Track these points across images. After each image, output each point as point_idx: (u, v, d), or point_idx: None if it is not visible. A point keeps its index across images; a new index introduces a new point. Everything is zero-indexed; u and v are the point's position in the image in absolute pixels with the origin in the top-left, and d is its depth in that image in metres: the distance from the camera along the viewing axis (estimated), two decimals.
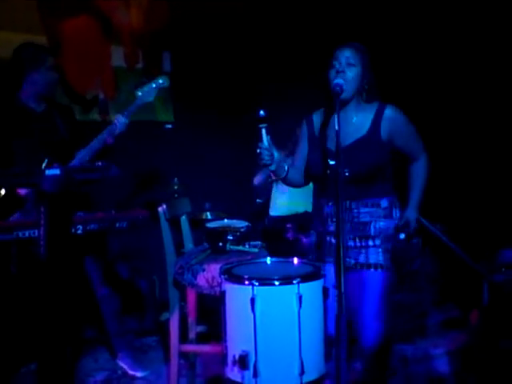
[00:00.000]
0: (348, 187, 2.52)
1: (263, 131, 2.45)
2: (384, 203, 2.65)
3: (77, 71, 3.68)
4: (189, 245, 3.38)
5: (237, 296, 2.32)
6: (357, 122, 2.62)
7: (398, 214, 2.69)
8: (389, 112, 2.60)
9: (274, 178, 2.69)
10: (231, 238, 3.09)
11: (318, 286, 2.34)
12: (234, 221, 3.27)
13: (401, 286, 3.65)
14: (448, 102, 4.69)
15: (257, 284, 2.26)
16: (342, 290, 2.11)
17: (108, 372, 3.49)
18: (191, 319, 3.36)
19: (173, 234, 3.19)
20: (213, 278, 2.81)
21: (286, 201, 4.42)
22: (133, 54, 4.56)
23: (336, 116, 2.27)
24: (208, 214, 4.17)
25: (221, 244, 3.05)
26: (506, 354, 3.00)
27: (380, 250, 2.62)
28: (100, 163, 2.52)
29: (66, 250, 2.40)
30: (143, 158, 4.30)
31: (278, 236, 4.28)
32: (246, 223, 3.21)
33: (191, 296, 3.29)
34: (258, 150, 2.46)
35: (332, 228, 2.64)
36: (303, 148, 2.77)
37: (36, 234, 2.54)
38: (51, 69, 3.19)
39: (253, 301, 2.25)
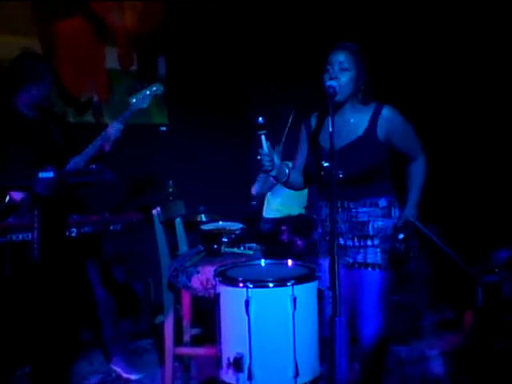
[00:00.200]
0: (346, 187, 2.54)
1: (263, 138, 2.46)
2: (382, 203, 2.65)
3: (71, 73, 3.68)
4: (183, 247, 3.38)
5: (231, 298, 2.32)
6: (354, 123, 2.63)
7: (396, 214, 2.70)
8: (386, 112, 2.61)
9: (275, 182, 2.71)
10: (226, 240, 3.08)
11: (312, 287, 2.34)
12: (229, 223, 3.27)
13: (399, 287, 3.65)
14: (443, 105, 4.70)
15: (251, 286, 2.26)
16: (337, 292, 2.11)
17: (102, 375, 3.48)
18: (186, 322, 3.36)
19: (167, 237, 3.19)
20: (207, 280, 2.81)
21: (279, 203, 4.42)
22: (127, 56, 4.55)
23: (332, 117, 2.28)
24: (203, 216, 4.17)
25: (215, 246, 3.04)
26: (500, 355, 3.01)
27: (378, 249, 2.63)
28: (94, 166, 2.53)
29: (60, 253, 2.39)
30: (138, 160, 4.30)
31: (272, 238, 4.28)
32: (241, 225, 3.21)
33: (186, 298, 3.29)
34: (259, 157, 2.48)
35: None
36: (303, 151, 2.79)
37: (30, 237, 2.54)
38: (49, 84, 3.20)
39: (247, 303, 2.24)
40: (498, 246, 3.65)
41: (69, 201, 2.63)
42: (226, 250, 3.04)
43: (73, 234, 2.66)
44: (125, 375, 3.46)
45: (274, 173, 2.55)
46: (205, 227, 3.21)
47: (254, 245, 3.24)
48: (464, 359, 3.22)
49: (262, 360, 2.25)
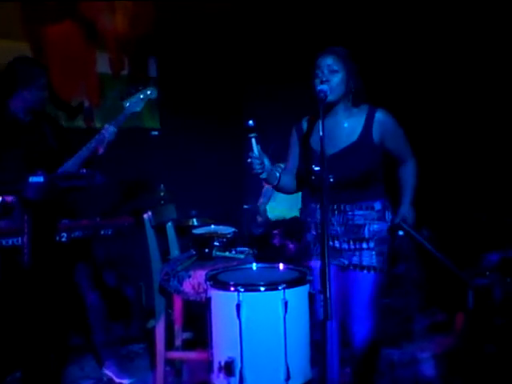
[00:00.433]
0: (342, 191, 2.56)
1: (253, 141, 2.46)
2: (378, 206, 2.67)
3: (61, 78, 3.66)
4: (175, 251, 3.37)
5: (222, 302, 2.32)
6: (348, 127, 2.64)
7: (390, 217, 2.71)
8: (380, 115, 2.62)
9: (266, 185, 2.71)
10: (217, 244, 3.08)
11: (303, 291, 2.35)
12: (221, 227, 3.26)
13: (391, 290, 3.67)
14: (436, 110, 4.73)
15: (242, 290, 2.26)
16: (328, 295, 2.11)
17: (94, 380, 3.46)
18: (177, 326, 3.36)
19: (159, 241, 3.18)
20: (199, 284, 2.80)
21: (273, 207, 4.43)
22: (118, 60, 4.55)
23: (322, 121, 2.28)
24: (194, 220, 4.16)
25: (207, 250, 3.04)
26: (490, 358, 3.02)
27: (374, 252, 2.64)
28: (85, 171, 2.51)
29: (50, 258, 2.38)
30: (129, 164, 4.29)
31: (264, 242, 4.29)
32: (233, 229, 3.21)
33: (177, 303, 3.28)
34: (249, 160, 2.47)
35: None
36: (294, 155, 2.79)
37: (20, 241, 2.53)
38: (42, 88, 3.19)
39: (238, 307, 2.24)
40: (489, 249, 3.68)
41: (60, 205, 2.62)
42: (218, 254, 3.04)
43: (63, 239, 2.65)
44: (117, 380, 3.44)
45: (264, 175, 2.53)
46: (197, 231, 3.21)
47: (246, 249, 3.24)
48: (455, 362, 3.23)
49: (254, 364, 2.25)
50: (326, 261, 2.12)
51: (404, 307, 3.84)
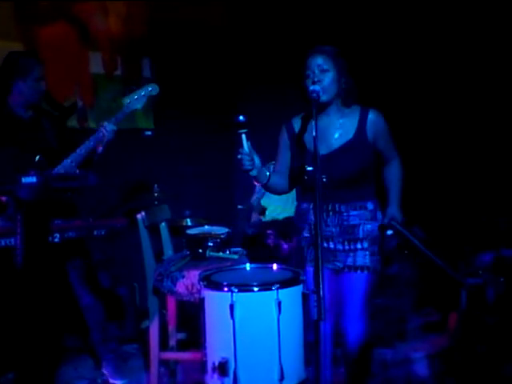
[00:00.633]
0: (337, 190, 2.55)
1: (243, 137, 2.43)
2: (370, 206, 2.69)
3: (55, 78, 3.64)
4: (168, 252, 3.37)
5: (216, 303, 2.32)
6: (342, 126, 2.65)
7: (380, 217, 2.73)
8: (372, 116, 2.65)
9: (256, 183, 2.68)
10: (211, 244, 3.08)
11: (297, 291, 2.35)
12: (215, 227, 3.26)
13: (384, 290, 3.67)
14: (428, 110, 4.74)
15: (236, 290, 2.26)
16: (321, 295, 2.11)
17: (88, 381, 3.46)
18: (171, 326, 3.36)
19: (153, 241, 3.18)
20: (192, 284, 2.80)
21: (266, 205, 4.43)
22: (111, 60, 4.53)
23: (315, 122, 2.29)
24: (188, 220, 4.16)
25: (200, 251, 3.04)
26: (483, 357, 3.04)
27: (367, 252, 2.65)
28: (78, 171, 2.50)
29: (43, 259, 2.37)
30: (123, 165, 4.28)
31: (258, 242, 4.29)
32: (227, 229, 3.21)
33: (171, 303, 3.28)
34: (239, 156, 2.45)
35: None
36: (285, 154, 2.77)
37: (12, 242, 2.52)
38: (38, 80, 3.16)
39: (232, 307, 2.25)
40: (482, 248, 3.69)
41: (56, 205, 2.61)
42: (211, 254, 3.04)
43: (56, 240, 2.64)
44: (111, 381, 3.43)
45: (254, 173, 2.50)
46: (190, 231, 3.21)
47: (240, 249, 3.24)
48: (448, 361, 3.24)
49: (248, 364, 2.26)
50: (320, 260, 2.13)
51: (397, 307, 3.84)
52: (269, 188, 2.71)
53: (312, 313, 2.25)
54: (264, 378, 2.27)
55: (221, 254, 3.06)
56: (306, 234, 2.72)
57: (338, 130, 2.64)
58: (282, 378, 2.25)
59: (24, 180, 2.15)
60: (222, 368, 2.25)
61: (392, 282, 3.79)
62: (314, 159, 2.24)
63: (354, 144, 2.63)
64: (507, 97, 4.36)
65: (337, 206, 2.64)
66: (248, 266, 2.61)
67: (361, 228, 2.66)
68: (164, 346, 3.24)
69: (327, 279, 2.44)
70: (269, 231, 4.44)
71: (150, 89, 3.36)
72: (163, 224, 3.39)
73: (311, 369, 2.31)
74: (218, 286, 2.33)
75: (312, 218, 2.67)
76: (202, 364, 2.36)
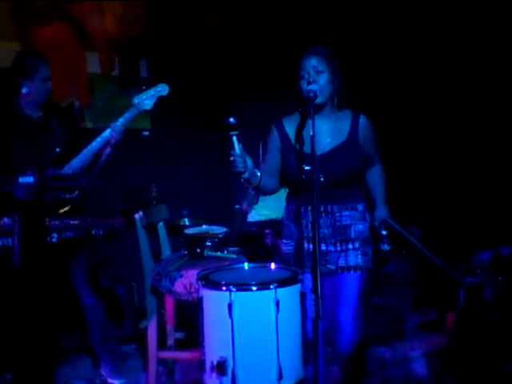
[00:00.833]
0: (330, 191, 2.55)
1: (234, 139, 2.43)
2: (360, 207, 2.72)
3: (52, 78, 3.64)
4: (166, 251, 3.37)
5: (214, 302, 2.32)
6: (336, 127, 2.66)
7: (369, 218, 2.75)
8: (363, 120, 2.69)
9: (247, 185, 2.65)
10: (209, 244, 3.08)
11: (295, 290, 2.35)
12: (213, 227, 3.26)
13: (382, 289, 3.67)
14: (425, 110, 4.74)
15: (234, 289, 2.26)
16: (319, 294, 2.12)
17: (86, 381, 3.46)
18: (169, 326, 3.36)
19: (151, 241, 3.18)
20: (190, 284, 2.80)
21: (262, 207, 4.43)
22: (108, 60, 4.53)
23: (313, 121, 2.29)
24: (186, 220, 4.16)
25: (198, 250, 3.04)
26: (481, 356, 3.04)
27: (359, 252, 2.66)
28: (70, 172, 2.50)
29: (41, 259, 2.37)
30: (120, 165, 4.26)
31: (256, 242, 4.29)
32: (225, 229, 3.21)
33: (169, 303, 3.28)
34: (231, 158, 2.45)
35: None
36: (275, 154, 2.74)
37: (10, 242, 2.51)
38: (45, 79, 3.16)
39: (230, 306, 2.24)
40: (480, 247, 3.69)
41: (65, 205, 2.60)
42: (209, 253, 3.04)
43: (54, 240, 2.63)
44: (110, 380, 3.43)
45: (246, 175, 2.49)
46: (189, 231, 3.21)
47: (238, 248, 3.24)
48: (446, 360, 3.24)
49: (246, 363, 2.25)
50: (317, 257, 2.13)
51: (395, 306, 3.84)
52: (260, 189, 2.69)
53: (309, 311, 2.26)
54: (262, 377, 2.26)
55: (219, 253, 3.06)
56: (296, 237, 2.70)
57: (330, 131, 2.65)
58: (280, 377, 2.25)
59: (21, 180, 2.15)
60: (221, 367, 2.25)
61: (390, 280, 3.79)
62: (311, 159, 2.24)
63: (348, 146, 2.65)
64: (505, 97, 4.37)
65: (329, 206, 2.65)
66: (246, 266, 2.61)
67: (352, 228, 2.67)
68: (162, 345, 3.24)
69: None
70: (267, 231, 4.44)
71: (159, 89, 3.32)
72: (161, 224, 3.39)
73: (309, 368, 2.31)
74: (216, 286, 2.33)
75: (304, 220, 2.65)
76: (201, 363, 2.36)
